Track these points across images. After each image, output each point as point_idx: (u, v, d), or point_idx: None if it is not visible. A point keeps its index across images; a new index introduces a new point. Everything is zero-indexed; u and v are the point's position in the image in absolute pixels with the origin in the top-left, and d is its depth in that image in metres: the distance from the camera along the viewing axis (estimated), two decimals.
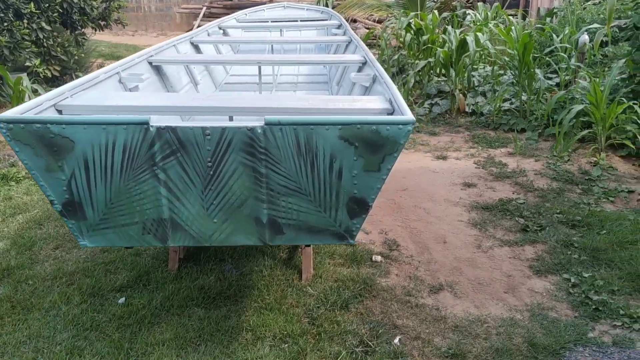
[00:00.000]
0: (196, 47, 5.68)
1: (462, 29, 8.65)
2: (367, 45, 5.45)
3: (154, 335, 3.12)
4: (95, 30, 9.81)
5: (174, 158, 2.33)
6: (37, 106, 2.58)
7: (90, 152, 2.27)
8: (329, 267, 3.83)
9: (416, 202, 4.97)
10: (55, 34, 8.26)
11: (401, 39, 8.54)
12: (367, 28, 11.56)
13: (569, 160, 5.76)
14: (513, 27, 7.22)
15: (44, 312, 3.39)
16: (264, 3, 13.59)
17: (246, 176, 2.38)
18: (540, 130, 6.54)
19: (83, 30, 9.52)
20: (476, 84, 7.84)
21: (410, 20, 8.09)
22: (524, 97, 6.93)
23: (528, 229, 4.38)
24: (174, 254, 3.81)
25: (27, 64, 7.25)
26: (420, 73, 8.00)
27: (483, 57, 7.96)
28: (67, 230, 4.40)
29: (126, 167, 2.31)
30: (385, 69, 8.64)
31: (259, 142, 2.29)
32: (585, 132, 5.88)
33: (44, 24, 7.70)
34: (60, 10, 8.37)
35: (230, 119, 2.94)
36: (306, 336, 3.11)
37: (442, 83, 7.90)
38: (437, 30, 8.19)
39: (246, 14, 7.99)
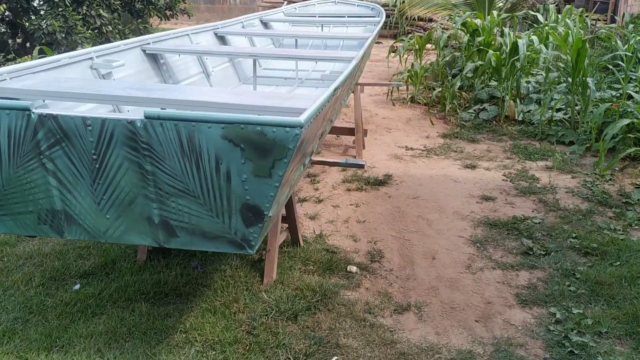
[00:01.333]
0: (221, 38, 5.63)
1: (527, 32, 8.08)
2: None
3: (88, 327, 3.08)
4: (161, 20, 10.07)
5: (60, 148, 2.25)
6: None
7: None
8: (295, 274, 3.63)
9: (422, 212, 4.65)
10: (116, 21, 8.54)
11: (458, 40, 8.08)
12: (445, 29, 11.11)
13: (610, 179, 5.18)
14: (570, 32, 6.61)
15: (3, 290, 3.45)
16: None
17: (132, 172, 2.25)
18: (588, 145, 5.95)
19: (150, 19, 9.79)
20: (531, 90, 7.27)
21: (466, 20, 7.64)
22: (576, 108, 6.33)
23: (531, 253, 3.95)
24: (143, 245, 3.76)
25: (80, 49, 7.55)
26: (471, 77, 7.54)
27: (536, 61, 7.37)
28: None
29: (13, 153, 2.26)
30: (438, 71, 8.25)
31: (141, 137, 2.15)
32: (633, 149, 5.27)
33: (102, 11, 7.98)
34: None
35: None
36: (237, 345, 2.95)
37: (494, 88, 7.40)
38: (495, 32, 7.68)
39: (295, 8, 7.88)
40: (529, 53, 6.70)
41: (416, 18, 11.09)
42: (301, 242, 4.01)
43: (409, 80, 8.14)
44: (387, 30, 13.49)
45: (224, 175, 2.17)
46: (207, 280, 3.54)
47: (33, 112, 2.17)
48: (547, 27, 7.49)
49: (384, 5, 13.38)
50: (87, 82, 3.05)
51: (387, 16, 13.42)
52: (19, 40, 8.77)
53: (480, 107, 7.24)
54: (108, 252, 3.84)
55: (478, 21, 7.91)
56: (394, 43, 9.43)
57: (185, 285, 3.49)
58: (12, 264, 3.74)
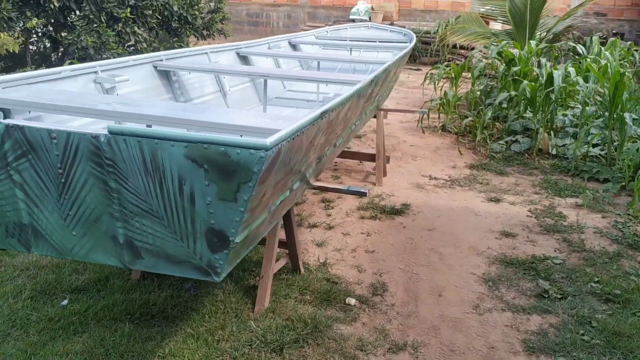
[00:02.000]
0: (243, 58, 5.59)
1: (565, 64, 7.78)
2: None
3: (66, 345, 2.98)
4: (198, 39, 10.19)
5: (26, 160, 2.17)
6: None
7: None
8: (290, 303, 3.47)
9: (435, 245, 4.42)
10: (151, 38, 8.67)
11: (495, 69, 7.85)
12: (484, 57, 10.87)
13: None
14: (609, 64, 6.30)
15: None
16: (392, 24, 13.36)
17: (98, 189, 2.16)
18: (623, 183, 5.61)
19: (187, 38, 9.92)
20: (567, 123, 6.96)
21: (502, 49, 7.41)
22: (614, 144, 6.00)
23: (546, 296, 3.68)
24: (108, 264, 3.68)
25: None
26: (505, 107, 7.28)
27: (572, 94, 7.05)
28: None
29: None
30: (472, 100, 8.02)
31: (105, 153, 2.06)
32: None
33: (136, 29, 8.11)
34: (159, 17, 8.79)
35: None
36: None
37: (528, 120, 7.11)
38: (533, 63, 7.41)
39: (327, 32, 7.82)
40: (564, 85, 6.41)
41: (457, 46, 10.87)
42: (302, 269, 3.85)
43: (441, 108, 7.93)
44: (428, 57, 13.32)
45: (187, 196, 2.05)
46: (196, 304, 3.42)
47: (0, 123, 2.12)
48: (587, 60, 7.18)
49: (425, 33, 13.26)
50: (79, 95, 3.01)
51: (428, 44, 13.29)
52: (58, 56, 9.00)
53: (513, 139, 6.96)
54: (103, 268, 3.77)
55: (515, 51, 7.67)
56: (430, 70, 9.24)
57: (174, 308, 3.37)
58: (7, 275, 3.71)
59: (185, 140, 1.94)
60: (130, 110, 2.62)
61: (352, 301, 3.57)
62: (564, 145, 6.67)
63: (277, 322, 3.26)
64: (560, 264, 4.12)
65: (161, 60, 4.18)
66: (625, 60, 8.16)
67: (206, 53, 4.88)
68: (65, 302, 3.39)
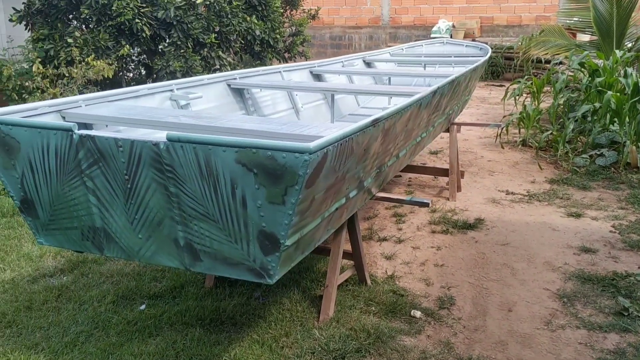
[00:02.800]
0: (317, 77, 5.73)
1: None
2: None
3: (141, 346, 3.16)
4: (280, 62, 10.51)
5: (97, 167, 2.36)
6: (35, 109, 2.81)
7: (32, 153, 2.42)
8: (354, 313, 3.50)
9: (508, 260, 4.30)
10: (235, 62, 9.06)
11: (578, 81, 7.56)
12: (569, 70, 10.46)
13: None
14: None
15: (79, 304, 3.67)
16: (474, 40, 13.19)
17: (160, 194, 2.30)
18: None
19: (270, 61, 10.27)
20: None
21: (584, 60, 7.13)
22: None
23: (626, 314, 3.48)
24: (171, 266, 3.84)
25: None
26: (589, 120, 6.98)
27: None
28: None
29: (60, 171, 2.41)
30: (553, 114, 7.75)
31: (164, 159, 2.20)
32: None
33: (221, 53, 8.50)
34: (242, 41, 9.16)
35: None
36: None
37: (615, 132, 6.77)
38: (619, 73, 7.08)
39: (403, 49, 7.85)
40: None
41: (542, 60, 10.53)
42: (368, 281, 3.87)
43: (521, 122, 7.72)
44: (512, 73, 12.99)
45: (239, 200, 2.15)
46: (264, 312, 3.52)
47: (75, 133, 2.32)
48: None
49: (508, 49, 12.97)
50: (153, 109, 3.22)
51: (511, 59, 12.97)
52: (151, 81, 9.58)
53: (598, 153, 6.65)
54: (179, 277, 3.97)
55: (600, 62, 7.35)
56: (510, 85, 9.02)
57: (243, 315, 3.48)
58: (94, 281, 3.98)
59: (236, 146, 2.05)
60: (195, 122, 2.78)
61: (418, 313, 3.54)
62: None
63: (340, 331, 3.29)
64: None
65: (235, 78, 4.38)
66: None
67: (279, 72, 5.05)
68: (143, 307, 3.60)
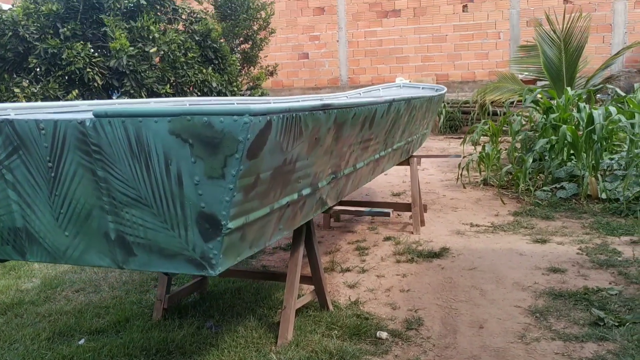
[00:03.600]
0: None
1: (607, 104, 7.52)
2: None
3: None
4: None
5: (17, 156, 2.13)
6: None
7: None
8: (315, 337, 3.22)
9: (476, 282, 4.11)
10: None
11: (533, 121, 7.66)
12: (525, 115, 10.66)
13: None
14: None
15: (9, 344, 3.31)
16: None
17: (87, 180, 2.07)
18: None
19: None
20: (615, 167, 6.61)
21: (538, 98, 7.24)
22: None
23: (602, 324, 3.30)
24: (158, 303, 3.54)
25: None
26: (547, 155, 7.02)
27: (614, 135, 6.74)
28: (91, 277, 4.41)
29: None
30: (512, 153, 7.79)
31: (91, 139, 1.99)
32: None
33: None
34: (198, 93, 9.08)
35: None
36: None
37: (573, 166, 6.81)
38: (571, 109, 7.21)
39: (360, 93, 7.87)
40: (605, 123, 6.14)
41: (498, 113, 10.67)
42: (330, 306, 3.62)
43: (482, 163, 7.73)
44: (469, 126, 13.22)
45: (175, 177, 1.94)
46: (216, 340, 3.22)
47: None
48: (627, 97, 6.92)
49: (464, 103, 13.26)
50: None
51: (468, 113, 13.25)
52: None
53: (558, 186, 6.64)
54: (124, 311, 3.65)
55: (554, 101, 7.50)
56: (468, 131, 9.12)
57: (193, 344, 3.18)
58: (29, 321, 3.63)
59: (169, 115, 1.87)
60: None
61: (384, 334, 3.29)
62: (613, 189, 6.30)
63: (300, 354, 3.02)
64: (616, 294, 3.74)
65: None
66: None
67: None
68: (81, 341, 3.26)
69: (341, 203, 4.50)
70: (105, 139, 1.97)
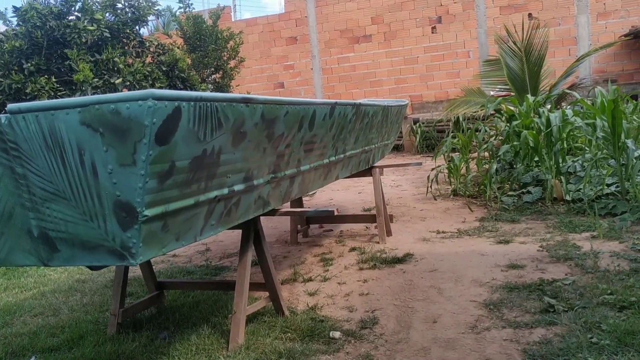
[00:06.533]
0: None
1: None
2: None
3: None
4: None
5: None
6: None
7: None
8: (267, 340, 3.22)
9: (435, 282, 4.13)
10: None
11: (497, 129, 7.79)
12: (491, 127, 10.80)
13: None
14: (602, 98, 6.16)
15: None
16: None
17: (7, 178, 2.10)
18: None
19: None
20: (578, 169, 6.71)
21: (500, 107, 7.38)
22: (623, 175, 5.72)
23: (552, 310, 3.33)
24: (112, 317, 3.53)
25: None
26: (512, 161, 7.12)
27: (573, 137, 6.86)
28: (51, 302, 4.38)
29: None
30: (479, 163, 7.88)
31: (8, 135, 2.02)
32: None
33: None
34: None
35: None
36: None
37: (538, 171, 6.90)
38: (532, 116, 7.34)
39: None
40: (562, 124, 6.25)
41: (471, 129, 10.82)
42: (285, 311, 3.61)
43: (451, 174, 7.81)
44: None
45: (89, 168, 1.97)
46: (168, 349, 3.20)
47: None
48: (583, 101, 7.06)
49: (439, 122, 13.44)
50: None
51: (442, 131, 13.40)
52: None
53: (524, 191, 6.72)
54: (79, 329, 3.63)
55: (516, 109, 7.64)
56: (440, 145, 9.23)
57: (144, 354, 3.16)
58: None
59: (78, 105, 1.91)
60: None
61: (337, 334, 3.29)
62: (578, 190, 6.38)
63: (250, 356, 3.01)
64: (570, 283, 3.77)
65: None
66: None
67: None
68: (32, 359, 3.23)
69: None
70: (21, 134, 2.01)
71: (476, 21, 14.68)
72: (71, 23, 7.22)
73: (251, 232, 3.33)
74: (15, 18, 7.29)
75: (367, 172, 5.67)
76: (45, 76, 6.98)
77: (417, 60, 15.31)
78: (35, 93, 6.80)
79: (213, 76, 11.17)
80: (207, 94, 2.21)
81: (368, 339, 3.24)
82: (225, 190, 2.56)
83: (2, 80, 6.85)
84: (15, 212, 2.14)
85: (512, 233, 5.38)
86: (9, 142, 2.04)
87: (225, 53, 11.11)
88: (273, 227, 6.58)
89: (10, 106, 2.00)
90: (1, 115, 2.02)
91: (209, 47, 10.74)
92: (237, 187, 2.66)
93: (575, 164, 6.82)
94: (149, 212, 2.02)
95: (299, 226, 5.86)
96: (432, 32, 15.12)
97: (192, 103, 2.10)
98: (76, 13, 7.50)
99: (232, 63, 11.27)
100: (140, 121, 1.89)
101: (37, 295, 4.61)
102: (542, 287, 3.74)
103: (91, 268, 2.33)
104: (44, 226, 2.11)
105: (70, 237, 2.09)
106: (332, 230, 6.33)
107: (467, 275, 4.21)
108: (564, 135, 6.35)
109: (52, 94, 6.94)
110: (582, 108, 7.21)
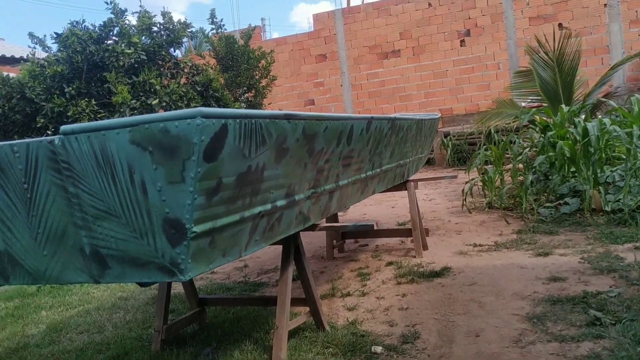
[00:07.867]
0: None
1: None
2: None
3: None
4: None
5: None
6: None
7: None
8: (309, 355, 3.24)
9: (475, 296, 4.10)
10: None
11: (532, 141, 7.71)
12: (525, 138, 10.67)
13: None
14: (638, 106, 6.06)
15: None
16: None
17: (60, 198, 2.17)
18: None
19: None
20: (617, 179, 6.59)
21: (534, 118, 7.31)
22: None
23: (598, 323, 3.27)
24: (156, 334, 3.59)
25: None
26: (548, 172, 7.03)
27: (610, 145, 6.74)
28: (96, 319, 4.47)
29: None
30: (514, 175, 7.80)
31: (61, 156, 2.10)
32: None
33: None
34: None
35: None
36: None
37: (575, 181, 6.80)
38: (567, 126, 7.25)
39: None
40: (599, 134, 6.16)
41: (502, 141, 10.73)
42: (326, 326, 3.63)
43: (485, 185, 7.75)
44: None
45: (139, 186, 2.03)
46: None
47: None
48: (621, 109, 6.95)
49: (470, 134, 13.35)
50: None
51: (474, 144, 13.30)
52: None
53: (562, 202, 6.62)
54: (124, 346, 3.69)
55: (550, 119, 7.56)
56: (472, 157, 9.17)
57: None
58: None
59: (128, 125, 1.97)
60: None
61: (379, 349, 3.29)
62: (618, 200, 6.27)
63: None
64: (615, 296, 3.71)
65: None
66: None
67: None
68: None
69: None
70: (74, 155, 2.08)
71: (505, 33, 14.60)
72: (109, 47, 7.42)
73: (292, 247, 3.36)
74: (57, 44, 7.53)
75: (402, 185, 5.67)
76: (86, 99, 7.18)
77: (446, 73, 15.27)
78: (77, 116, 6.99)
79: (245, 95, 11.31)
80: (252, 111, 2.27)
81: (410, 353, 3.23)
82: (269, 206, 2.60)
83: (44, 104, 7.07)
84: (68, 231, 2.21)
85: (551, 245, 5.31)
86: (62, 162, 2.12)
87: (257, 72, 11.25)
88: (309, 242, 6.61)
89: (64, 127, 2.08)
90: (55, 136, 2.11)
91: (241, 66, 10.90)
92: (280, 203, 2.70)
93: (614, 173, 6.70)
94: (197, 229, 2.08)
95: (334, 241, 5.88)
96: (461, 45, 15.08)
97: (238, 120, 2.15)
98: (114, 37, 7.72)
99: (263, 82, 11.41)
100: (189, 139, 1.95)
101: (82, 312, 4.71)
102: (587, 300, 3.68)
103: (140, 284, 2.38)
104: (95, 244, 2.18)
105: (121, 254, 2.16)
106: (367, 245, 6.34)
107: (508, 289, 4.16)
108: (602, 144, 6.25)
109: (92, 116, 7.13)
110: (617, 117, 7.09)
